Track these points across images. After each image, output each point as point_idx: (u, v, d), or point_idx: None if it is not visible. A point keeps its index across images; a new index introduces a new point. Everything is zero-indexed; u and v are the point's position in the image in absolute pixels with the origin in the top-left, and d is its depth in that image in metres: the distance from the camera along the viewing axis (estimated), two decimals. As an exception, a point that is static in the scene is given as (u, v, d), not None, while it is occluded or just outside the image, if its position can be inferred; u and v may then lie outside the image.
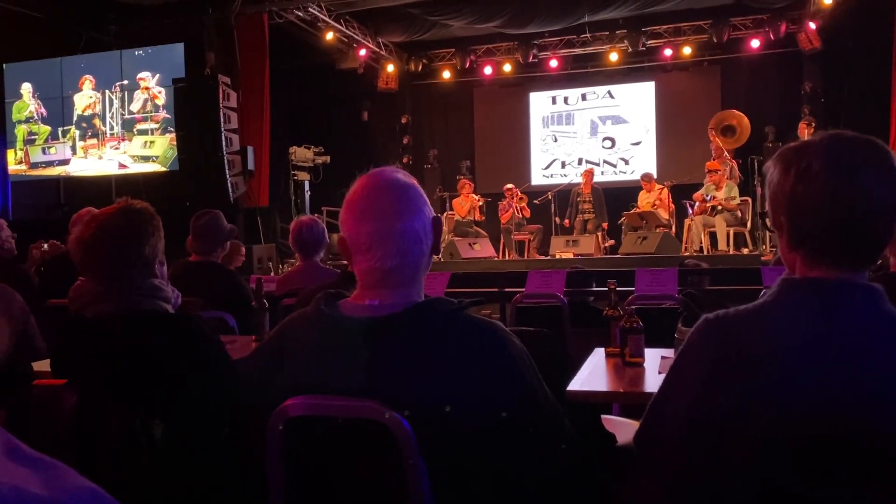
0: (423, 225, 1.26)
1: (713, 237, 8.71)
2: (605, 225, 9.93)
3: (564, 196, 10.31)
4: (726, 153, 9.35)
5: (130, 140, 9.51)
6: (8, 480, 0.46)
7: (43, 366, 1.99)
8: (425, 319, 1.22)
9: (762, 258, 7.52)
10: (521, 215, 10.08)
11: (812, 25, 9.98)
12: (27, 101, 9.80)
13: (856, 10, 9.23)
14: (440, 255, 8.76)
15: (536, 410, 1.20)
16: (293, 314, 1.35)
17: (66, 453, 1.41)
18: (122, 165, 9.50)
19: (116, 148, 9.60)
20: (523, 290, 4.03)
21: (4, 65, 9.75)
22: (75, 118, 9.77)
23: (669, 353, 2.16)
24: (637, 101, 11.92)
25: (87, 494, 0.50)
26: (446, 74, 12.16)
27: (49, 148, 9.86)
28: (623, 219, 9.59)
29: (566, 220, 10.08)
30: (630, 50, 10.98)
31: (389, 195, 1.25)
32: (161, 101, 9.30)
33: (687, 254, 8.25)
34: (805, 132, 8.38)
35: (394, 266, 1.24)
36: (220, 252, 3.56)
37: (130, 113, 9.53)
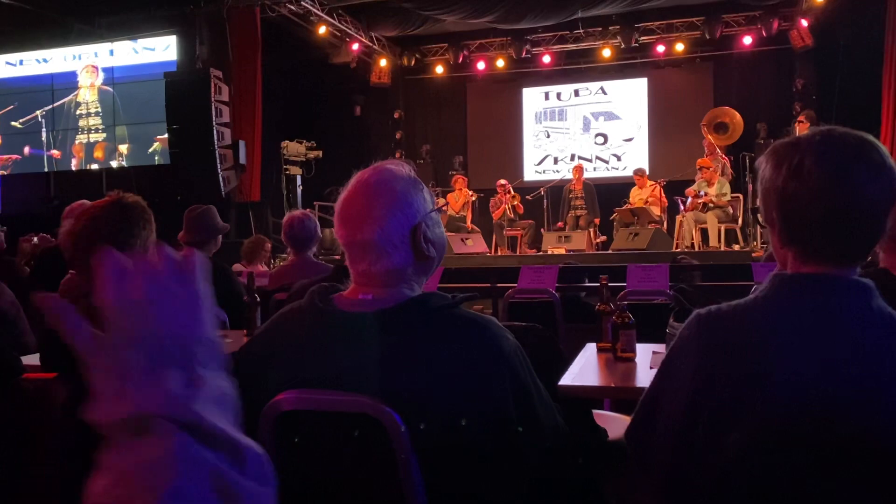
0: (387, 235, 1.21)
1: (704, 233, 8.73)
2: (596, 221, 9.94)
3: (557, 192, 10.31)
4: (718, 150, 9.37)
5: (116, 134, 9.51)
6: None
7: (33, 360, 1.98)
8: (418, 314, 1.22)
9: (753, 254, 7.55)
10: (512, 214, 10.06)
11: (804, 23, 10.01)
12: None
13: (847, 8, 9.27)
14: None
15: (530, 406, 1.20)
16: (286, 308, 1.34)
17: (55, 446, 1.40)
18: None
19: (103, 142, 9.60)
20: (515, 285, 4.03)
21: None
22: (64, 111, 9.73)
23: (661, 348, 2.17)
24: (630, 97, 11.93)
25: None
26: (439, 69, 12.14)
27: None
28: (615, 215, 9.60)
29: (560, 223, 10.06)
30: (623, 46, 10.98)
31: (358, 202, 1.24)
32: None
33: (678, 250, 8.27)
34: (800, 130, 8.40)
35: (375, 270, 1.23)
36: (213, 247, 3.56)
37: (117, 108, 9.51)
